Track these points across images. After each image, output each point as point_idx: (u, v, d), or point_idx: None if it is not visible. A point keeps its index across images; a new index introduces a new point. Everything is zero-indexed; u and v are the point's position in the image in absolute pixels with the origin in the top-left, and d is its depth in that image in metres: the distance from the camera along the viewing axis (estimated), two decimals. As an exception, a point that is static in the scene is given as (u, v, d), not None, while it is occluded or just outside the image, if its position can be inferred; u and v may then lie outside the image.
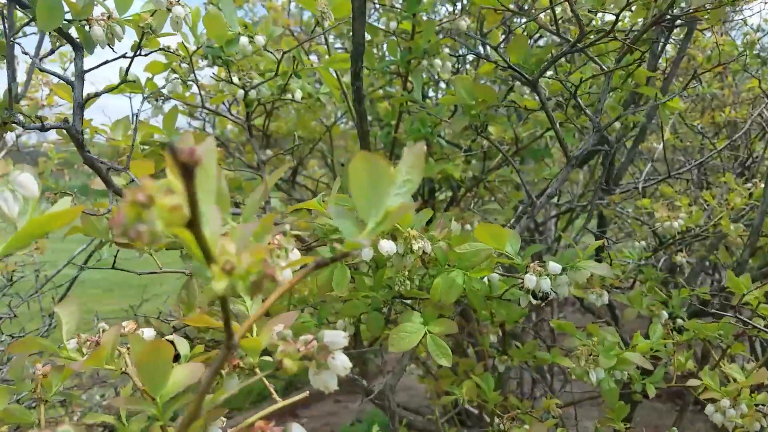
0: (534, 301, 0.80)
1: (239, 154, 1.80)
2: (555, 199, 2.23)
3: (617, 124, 1.56)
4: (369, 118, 1.61)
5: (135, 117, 0.91)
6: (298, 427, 0.41)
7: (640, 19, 1.17)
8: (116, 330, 0.49)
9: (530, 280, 0.76)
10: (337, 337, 0.39)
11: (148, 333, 0.52)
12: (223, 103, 1.44)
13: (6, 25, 0.64)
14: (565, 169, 1.02)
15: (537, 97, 0.93)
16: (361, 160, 0.35)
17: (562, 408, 1.71)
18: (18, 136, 1.56)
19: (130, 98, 1.17)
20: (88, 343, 0.52)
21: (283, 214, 0.89)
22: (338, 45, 2.11)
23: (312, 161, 2.62)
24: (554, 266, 0.77)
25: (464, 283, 0.79)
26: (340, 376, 0.40)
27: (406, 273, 0.79)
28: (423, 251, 0.77)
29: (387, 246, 0.72)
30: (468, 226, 1.49)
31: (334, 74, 1.21)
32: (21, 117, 0.68)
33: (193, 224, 0.27)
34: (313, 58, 1.88)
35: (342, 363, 0.39)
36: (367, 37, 1.45)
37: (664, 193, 1.87)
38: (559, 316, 2.51)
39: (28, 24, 0.68)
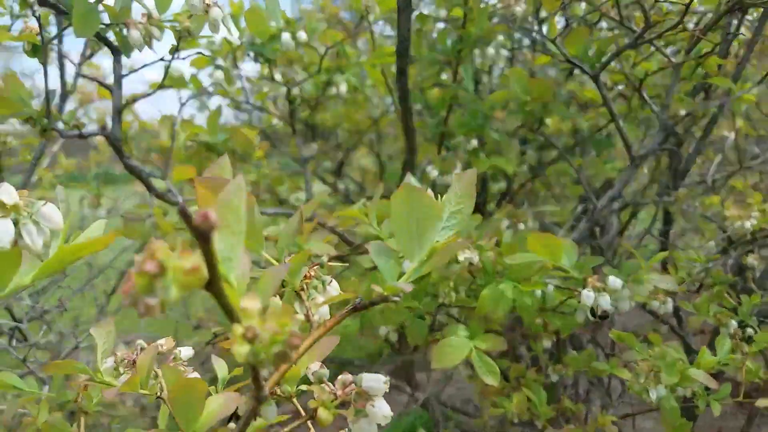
0: (592, 319, 0.74)
1: (285, 147, 1.79)
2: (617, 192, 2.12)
3: (683, 112, 1.45)
4: (419, 106, 1.56)
5: (177, 114, 0.89)
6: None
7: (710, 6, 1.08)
8: (152, 351, 0.48)
9: (588, 296, 0.70)
10: (377, 382, 0.35)
11: (186, 352, 0.50)
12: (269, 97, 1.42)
13: (41, 35, 0.63)
14: (628, 169, 0.95)
15: (599, 91, 0.86)
16: (404, 194, 0.31)
17: (619, 418, 1.64)
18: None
19: (178, 92, 1.17)
20: (125, 362, 0.51)
21: (318, 219, 0.86)
22: (389, 31, 2.06)
23: (362, 149, 2.59)
24: (614, 281, 0.71)
25: (514, 296, 0.74)
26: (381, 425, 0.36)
27: (451, 284, 0.75)
28: (470, 262, 0.72)
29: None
30: (521, 225, 1.43)
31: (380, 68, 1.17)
32: (60, 124, 0.68)
33: (213, 285, 0.24)
34: (362, 43, 1.84)
35: (382, 411, 0.35)
36: (416, 25, 1.40)
37: (735, 187, 1.74)
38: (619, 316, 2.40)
39: (65, 29, 0.67)
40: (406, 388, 1.07)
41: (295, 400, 0.50)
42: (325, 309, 0.39)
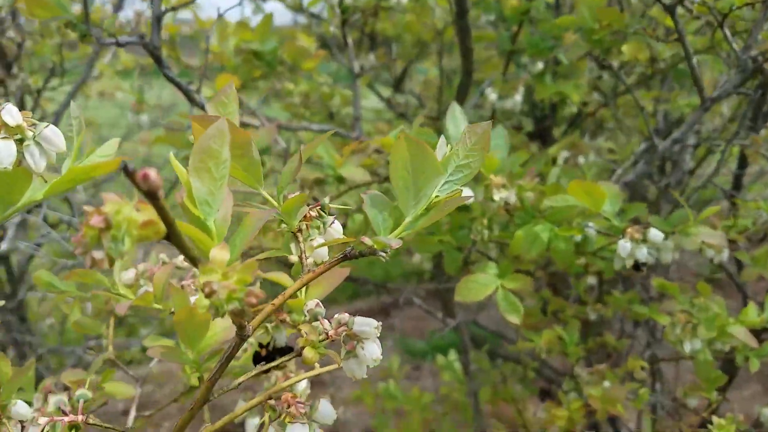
0: (628, 268, 0.71)
1: (344, 57, 1.73)
2: (695, 127, 1.97)
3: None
4: (492, 17, 1.46)
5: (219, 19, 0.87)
6: (326, 404, 0.40)
7: None
8: (170, 267, 0.50)
9: (624, 247, 0.67)
10: (368, 326, 0.36)
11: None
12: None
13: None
14: (698, 111, 0.86)
15: (675, 25, 0.77)
16: (403, 144, 0.30)
17: (658, 363, 1.61)
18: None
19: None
20: (147, 274, 0.53)
21: (362, 139, 0.85)
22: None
23: (426, 62, 2.49)
24: (655, 234, 0.67)
25: (549, 239, 0.71)
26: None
27: (485, 221, 0.73)
28: (506, 202, 0.70)
29: (467, 193, 0.66)
30: (581, 159, 1.36)
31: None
32: (98, 31, 0.68)
33: (171, 237, 0.23)
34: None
35: (371, 354, 0.36)
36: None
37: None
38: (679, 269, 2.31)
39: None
40: (438, 313, 1.09)
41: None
42: (323, 251, 0.38)
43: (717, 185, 1.28)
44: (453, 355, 1.76)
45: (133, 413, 0.54)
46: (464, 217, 0.81)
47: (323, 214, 0.38)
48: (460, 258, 0.90)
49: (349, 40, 1.12)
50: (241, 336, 0.31)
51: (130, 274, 0.51)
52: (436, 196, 0.31)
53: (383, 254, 0.30)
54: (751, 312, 0.90)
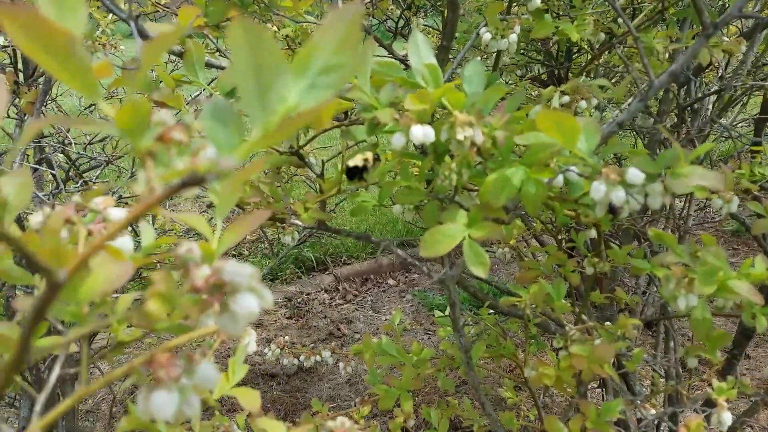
0: (609, 214, 0.64)
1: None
2: (718, 72, 1.84)
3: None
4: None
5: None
6: (206, 366, 0.34)
7: None
8: (69, 209, 0.45)
9: (597, 189, 0.59)
10: (240, 275, 0.30)
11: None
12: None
13: None
14: (699, 39, 0.77)
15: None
16: (240, 32, 0.23)
17: (669, 319, 1.54)
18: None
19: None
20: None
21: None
22: None
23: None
24: (634, 174, 0.59)
25: (522, 183, 0.65)
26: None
27: (453, 166, 0.67)
28: (471, 142, 0.63)
29: (419, 133, 0.60)
30: (583, 103, 1.27)
31: None
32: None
33: None
34: None
35: (245, 308, 0.30)
36: None
37: None
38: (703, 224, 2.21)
39: None
40: (423, 267, 1.03)
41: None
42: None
43: (738, 132, 1.19)
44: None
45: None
46: (428, 165, 0.74)
47: (189, 136, 0.31)
48: (438, 209, 0.84)
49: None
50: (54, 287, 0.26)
51: (38, 218, 0.45)
52: (294, 104, 0.25)
53: (207, 180, 0.24)
54: (758, 265, 0.83)
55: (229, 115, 0.26)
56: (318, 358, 1.37)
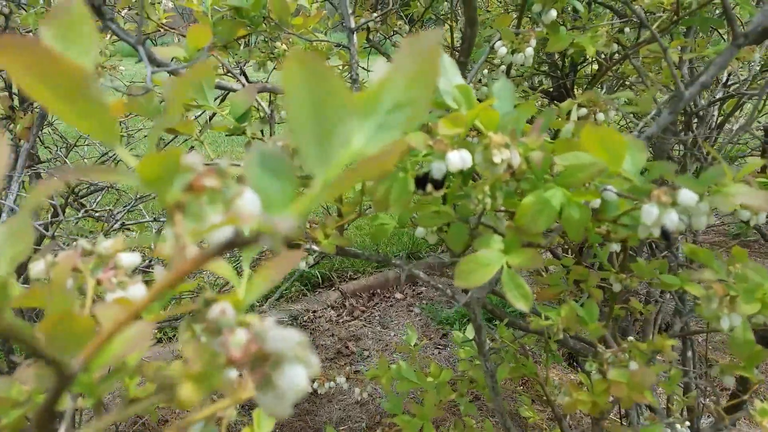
0: (657, 237, 0.61)
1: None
2: (723, 79, 1.82)
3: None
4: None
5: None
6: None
7: None
8: (71, 259, 0.41)
9: (649, 213, 0.56)
10: (287, 342, 0.26)
11: (130, 259, 0.42)
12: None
13: None
14: (728, 50, 0.75)
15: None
16: (298, 68, 0.20)
17: (690, 335, 1.50)
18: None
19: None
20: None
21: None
22: None
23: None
24: (687, 196, 0.56)
25: (561, 206, 0.62)
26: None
27: (486, 189, 0.64)
28: (508, 164, 0.60)
29: (456, 159, 0.57)
30: (601, 116, 1.24)
31: None
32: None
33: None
34: None
35: (292, 383, 0.25)
36: None
37: None
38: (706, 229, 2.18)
39: None
40: (447, 290, 1.00)
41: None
42: (224, 231, 0.28)
43: (753, 133, 1.16)
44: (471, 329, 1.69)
45: None
46: (459, 183, 0.71)
47: (223, 182, 0.27)
48: (465, 232, 0.81)
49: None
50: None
51: (39, 266, 0.41)
52: (359, 148, 0.22)
53: (266, 244, 0.20)
54: (797, 279, 0.80)
55: (281, 165, 0.22)
56: (332, 383, 1.33)
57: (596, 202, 0.72)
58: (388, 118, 0.21)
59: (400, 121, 0.21)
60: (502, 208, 0.78)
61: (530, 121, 0.71)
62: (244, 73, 1.31)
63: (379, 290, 3.31)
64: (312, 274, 3.25)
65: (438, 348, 2.80)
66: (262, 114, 0.83)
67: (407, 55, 0.21)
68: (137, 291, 0.41)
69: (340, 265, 3.38)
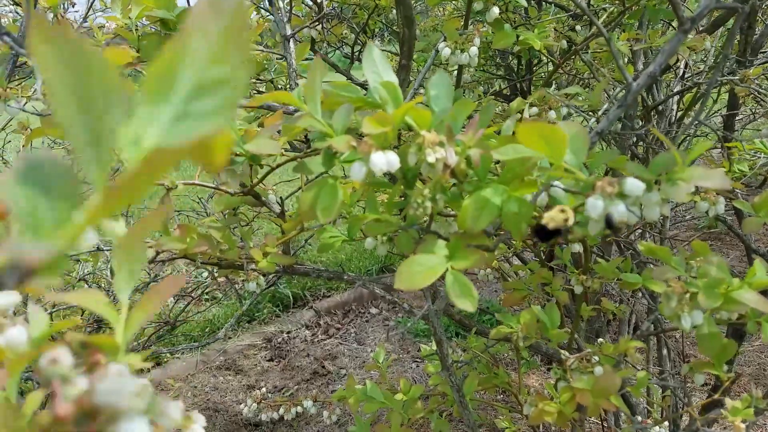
0: (607, 230, 0.57)
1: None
2: (680, 72, 1.82)
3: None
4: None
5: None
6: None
7: None
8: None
9: (594, 205, 0.52)
10: (121, 394, 0.20)
11: (6, 299, 0.37)
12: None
13: None
14: (676, 36, 0.72)
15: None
16: (49, 48, 0.15)
17: (662, 333, 1.48)
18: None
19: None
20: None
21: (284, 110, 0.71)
22: None
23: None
24: (633, 185, 0.53)
25: (503, 203, 0.58)
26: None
27: (426, 192, 0.59)
28: (444, 163, 0.55)
29: (380, 161, 0.52)
30: (552, 114, 1.22)
31: None
32: None
33: None
34: None
35: None
36: None
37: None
38: (675, 224, 2.18)
39: None
40: (404, 304, 0.95)
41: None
42: None
43: (709, 125, 1.15)
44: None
45: None
46: (396, 193, 0.67)
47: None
48: (413, 239, 0.77)
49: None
50: None
51: None
52: (156, 143, 0.16)
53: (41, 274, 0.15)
54: (760, 271, 0.77)
55: (54, 178, 0.17)
56: (299, 409, 1.26)
57: (544, 198, 0.68)
58: (191, 106, 0.16)
59: (209, 109, 0.16)
60: (452, 212, 0.74)
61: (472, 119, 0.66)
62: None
63: (354, 306, 3.25)
64: (284, 294, 3.17)
65: (416, 361, 2.74)
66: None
67: (206, 17, 0.16)
68: (18, 335, 0.36)
69: (312, 283, 3.31)
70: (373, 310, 3.21)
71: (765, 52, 1.38)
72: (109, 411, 0.20)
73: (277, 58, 1.13)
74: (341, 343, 2.91)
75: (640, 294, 1.95)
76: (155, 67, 0.16)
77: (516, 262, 1.85)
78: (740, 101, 1.59)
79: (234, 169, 0.66)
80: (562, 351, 0.82)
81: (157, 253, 0.66)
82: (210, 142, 0.16)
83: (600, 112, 0.91)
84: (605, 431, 1.47)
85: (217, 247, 0.68)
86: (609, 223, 0.53)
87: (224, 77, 0.16)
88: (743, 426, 0.79)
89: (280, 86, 1.25)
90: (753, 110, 2.29)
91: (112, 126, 0.15)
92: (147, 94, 0.16)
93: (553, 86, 1.32)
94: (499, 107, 2.05)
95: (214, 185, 0.68)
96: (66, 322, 0.37)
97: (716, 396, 0.85)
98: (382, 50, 2.25)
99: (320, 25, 1.23)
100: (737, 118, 1.70)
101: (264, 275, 0.99)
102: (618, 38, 1.24)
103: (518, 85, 2.05)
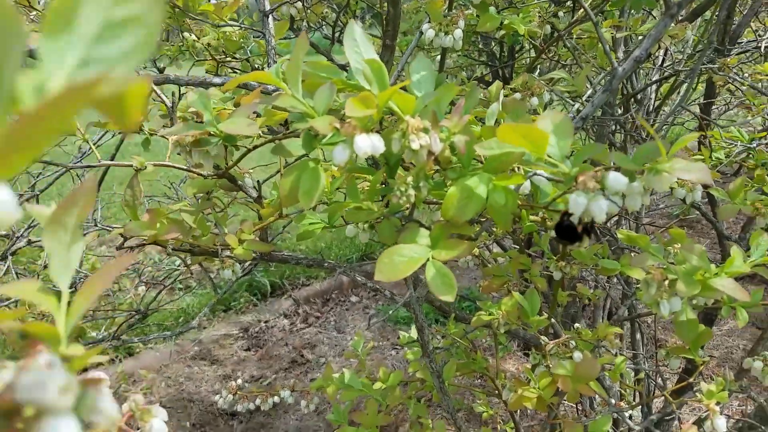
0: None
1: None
2: (659, 61, 1.83)
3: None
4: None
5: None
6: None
7: None
8: None
9: (577, 202, 0.52)
10: (45, 389, 0.19)
11: None
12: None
13: None
14: (662, 21, 0.72)
15: None
16: None
17: (637, 318, 1.50)
18: None
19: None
20: None
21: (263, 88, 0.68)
22: None
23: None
24: (616, 179, 0.52)
25: (489, 193, 0.57)
26: None
27: (409, 180, 0.58)
28: (428, 150, 0.54)
29: (365, 144, 0.50)
30: (534, 100, 1.21)
31: None
32: None
33: None
34: None
35: None
36: None
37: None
38: (650, 211, 2.20)
39: None
40: (386, 291, 0.94)
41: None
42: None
43: (691, 111, 1.15)
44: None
45: None
46: (378, 180, 0.65)
47: None
48: (395, 228, 0.75)
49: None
50: None
51: None
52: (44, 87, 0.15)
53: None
54: (737, 259, 0.77)
55: None
56: (276, 399, 1.25)
57: (527, 187, 0.67)
58: (96, 49, 0.14)
59: (119, 53, 0.14)
60: (435, 200, 0.73)
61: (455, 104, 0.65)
62: (158, 69, 1.22)
63: (334, 295, 3.23)
64: (261, 283, 3.14)
65: (396, 348, 2.75)
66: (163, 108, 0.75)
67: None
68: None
69: (291, 272, 3.28)
70: (354, 299, 3.20)
71: (742, 42, 1.39)
72: (33, 408, 0.19)
73: (254, 37, 1.09)
74: (321, 332, 2.90)
75: (615, 279, 1.97)
76: (55, 5, 0.14)
77: (496, 248, 1.85)
78: (717, 90, 1.60)
79: (208, 150, 0.64)
80: (542, 337, 0.82)
81: (125, 239, 0.63)
82: (121, 92, 0.14)
83: (584, 98, 0.91)
84: (580, 414, 1.49)
85: (189, 233, 0.66)
86: (591, 224, 0.52)
87: (134, 16, 0.15)
88: (718, 408, 0.80)
89: (257, 65, 1.22)
90: (726, 101, 2.32)
91: (9, 72, 0.13)
92: (47, 36, 0.14)
93: (537, 71, 1.31)
94: (482, 94, 2.04)
95: (186, 167, 0.66)
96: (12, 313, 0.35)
97: (691, 380, 0.87)
98: (365, 33, 2.21)
99: (300, 3, 1.20)
100: (711, 107, 1.71)
101: (240, 263, 0.98)
102: (601, 25, 1.23)
103: (500, 71, 2.04)
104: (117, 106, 0.14)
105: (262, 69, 1.14)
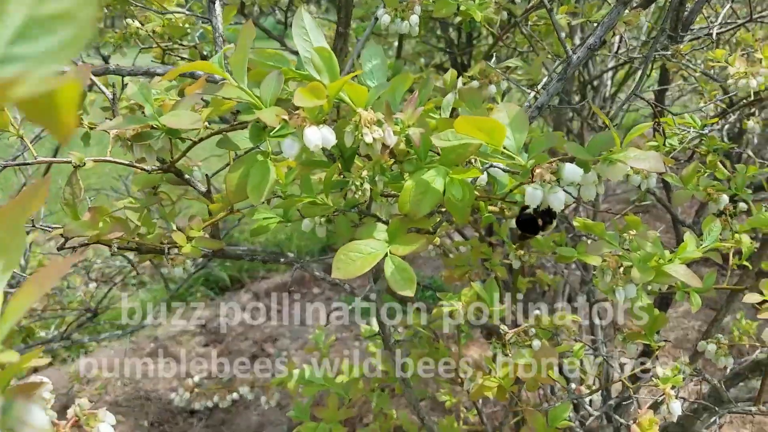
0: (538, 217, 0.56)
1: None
2: (614, 48, 1.86)
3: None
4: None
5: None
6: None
7: None
8: None
9: (533, 195, 0.51)
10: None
11: None
12: None
13: None
14: (614, 8, 0.71)
15: None
16: None
17: (595, 303, 1.52)
18: None
19: None
20: None
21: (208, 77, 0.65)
22: None
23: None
24: (571, 171, 0.51)
25: (446, 186, 0.55)
26: None
27: (365, 174, 0.56)
28: (383, 144, 0.52)
29: (314, 136, 0.48)
30: (492, 88, 1.20)
31: None
32: None
33: None
34: None
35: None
36: None
37: (744, 39, 1.49)
38: (607, 197, 2.24)
39: None
40: (345, 285, 0.92)
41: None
42: None
43: (645, 99, 1.16)
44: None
45: None
46: (332, 173, 0.63)
47: None
48: (352, 220, 0.73)
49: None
50: None
51: None
52: None
53: None
54: (690, 245, 0.79)
55: None
56: (235, 395, 1.22)
57: (484, 179, 0.66)
58: (17, 46, 0.12)
59: (42, 52, 0.12)
60: (393, 193, 0.71)
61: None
62: (102, 57, 1.16)
63: (295, 286, 3.19)
64: (219, 277, 3.07)
65: (359, 340, 2.73)
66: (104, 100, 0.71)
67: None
68: None
69: (250, 265, 3.22)
70: (315, 290, 3.17)
71: (695, 28, 1.42)
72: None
73: (202, 23, 1.05)
74: (282, 325, 2.86)
75: (574, 265, 2.00)
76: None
77: (457, 237, 1.85)
78: (671, 77, 1.63)
79: (150, 144, 0.60)
80: (502, 325, 0.82)
81: (66, 240, 0.60)
82: (50, 93, 0.12)
83: (540, 86, 0.90)
84: (541, 400, 1.52)
85: (134, 232, 0.62)
86: (549, 211, 0.51)
87: (63, 12, 0.12)
88: (673, 393, 0.82)
89: (205, 53, 1.18)
90: (680, 87, 2.38)
91: None
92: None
93: (494, 59, 1.31)
94: (440, 81, 2.03)
95: (128, 162, 0.62)
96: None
97: (648, 364, 0.88)
98: (321, 18, 2.17)
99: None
100: (665, 94, 1.75)
101: (192, 259, 0.94)
102: (557, 12, 1.23)
103: (458, 58, 2.03)
104: (46, 109, 0.12)
105: (211, 57, 1.10)
